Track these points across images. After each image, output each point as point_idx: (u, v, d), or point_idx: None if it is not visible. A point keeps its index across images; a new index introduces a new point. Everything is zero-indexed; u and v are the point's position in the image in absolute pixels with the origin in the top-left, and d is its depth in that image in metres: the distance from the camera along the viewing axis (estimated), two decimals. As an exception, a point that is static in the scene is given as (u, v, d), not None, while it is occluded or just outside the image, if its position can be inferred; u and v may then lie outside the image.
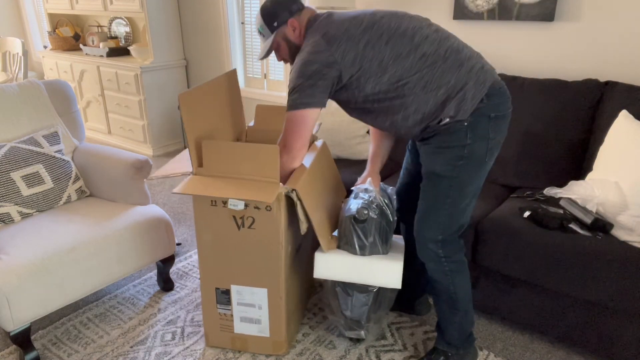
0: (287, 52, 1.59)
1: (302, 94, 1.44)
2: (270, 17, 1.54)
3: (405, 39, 1.41)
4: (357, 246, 1.58)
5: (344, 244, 1.61)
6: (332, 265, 1.60)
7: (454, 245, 1.53)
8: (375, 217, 1.55)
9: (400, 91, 1.42)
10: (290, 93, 1.47)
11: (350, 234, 1.58)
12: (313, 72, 1.42)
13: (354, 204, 1.59)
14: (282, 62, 3.40)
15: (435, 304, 1.64)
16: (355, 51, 1.41)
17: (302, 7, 1.56)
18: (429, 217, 1.49)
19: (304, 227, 1.55)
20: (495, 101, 1.41)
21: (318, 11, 1.57)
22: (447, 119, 1.40)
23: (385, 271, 1.57)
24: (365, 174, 1.77)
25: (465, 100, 1.38)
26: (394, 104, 1.44)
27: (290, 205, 1.59)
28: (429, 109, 1.42)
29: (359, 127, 2.45)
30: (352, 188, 1.70)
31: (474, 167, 1.44)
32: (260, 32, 1.60)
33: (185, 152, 1.81)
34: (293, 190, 1.49)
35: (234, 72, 1.88)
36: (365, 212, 1.54)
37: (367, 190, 1.62)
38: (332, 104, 2.50)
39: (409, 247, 1.82)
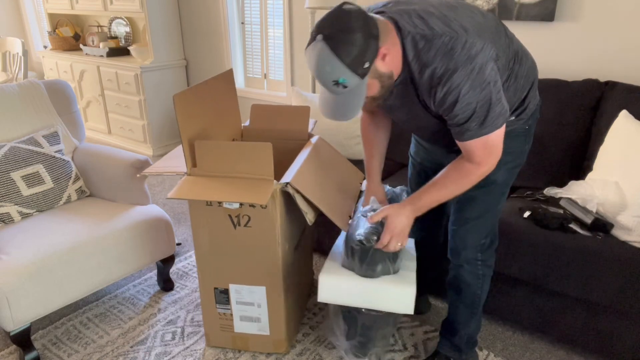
0: (377, 89, 1.20)
1: (495, 108, 1.15)
2: (358, 58, 1.09)
3: (507, 31, 1.26)
4: (364, 270, 1.46)
5: (350, 264, 1.49)
6: (337, 289, 1.48)
7: (491, 250, 1.51)
8: None
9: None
10: (478, 117, 1.15)
11: (358, 260, 1.46)
12: (491, 74, 1.13)
13: (362, 226, 1.46)
14: (282, 61, 3.41)
15: (452, 305, 1.59)
16: (503, 44, 1.20)
17: (377, 23, 1.13)
18: (479, 224, 1.44)
19: (309, 218, 1.52)
20: (541, 102, 1.42)
21: (377, 16, 1.18)
22: (513, 117, 1.34)
23: (397, 296, 1.44)
24: (366, 190, 1.62)
25: (531, 102, 1.35)
26: None
27: (288, 201, 1.59)
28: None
29: (359, 127, 2.45)
30: (360, 211, 1.55)
31: (518, 170, 1.44)
32: (337, 84, 1.13)
33: (178, 150, 1.81)
34: (287, 184, 1.49)
35: (230, 72, 1.88)
36: (375, 238, 1.40)
37: (374, 210, 1.47)
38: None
39: (420, 247, 1.77)
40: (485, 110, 1.15)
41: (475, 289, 1.52)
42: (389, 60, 1.16)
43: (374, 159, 1.56)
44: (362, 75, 1.12)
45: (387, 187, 1.68)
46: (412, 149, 1.72)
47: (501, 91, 1.17)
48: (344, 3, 1.13)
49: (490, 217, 1.45)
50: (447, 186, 1.30)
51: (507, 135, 1.32)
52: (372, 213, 1.44)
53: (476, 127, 1.17)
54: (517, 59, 1.27)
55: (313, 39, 1.12)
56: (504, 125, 1.21)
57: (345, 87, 1.13)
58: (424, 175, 1.64)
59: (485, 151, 1.22)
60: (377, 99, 1.25)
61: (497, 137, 1.21)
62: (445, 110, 1.18)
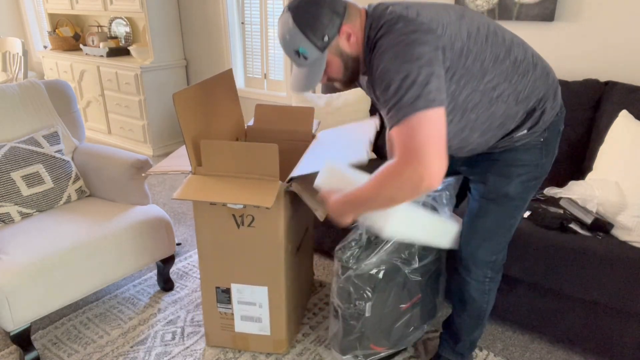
0: (341, 69, 1.23)
1: (419, 87, 1.04)
2: (317, 30, 1.14)
3: (499, 38, 1.19)
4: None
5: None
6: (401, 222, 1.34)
7: (500, 266, 1.45)
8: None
9: (493, 102, 1.20)
10: (395, 93, 1.06)
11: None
12: (424, 55, 1.05)
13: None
14: (282, 61, 3.41)
15: (457, 314, 1.54)
16: (462, 41, 1.12)
17: (346, 4, 1.18)
18: (490, 240, 1.38)
19: (319, 214, 1.46)
20: (563, 113, 1.33)
21: (350, 1, 1.21)
22: (525, 131, 1.26)
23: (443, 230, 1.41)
24: None
25: (545, 113, 1.26)
26: (481, 116, 1.21)
27: (292, 202, 1.58)
28: (514, 123, 1.25)
29: (359, 127, 2.44)
30: None
31: (539, 185, 1.35)
32: (298, 54, 1.19)
33: (183, 149, 1.80)
34: (291, 184, 1.48)
35: (229, 71, 1.88)
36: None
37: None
38: (332, 103, 2.49)
39: None
40: (404, 88, 1.04)
41: (481, 303, 1.48)
42: (353, 42, 1.19)
43: None
44: (322, 48, 1.17)
45: None
46: None
47: (433, 77, 1.05)
48: None
49: (502, 233, 1.39)
50: (373, 185, 1.16)
51: (520, 148, 1.29)
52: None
53: (395, 109, 1.07)
54: (517, 69, 1.21)
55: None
56: (441, 125, 1.06)
57: (305, 58, 1.19)
58: None
59: (410, 145, 1.05)
60: (340, 79, 1.28)
61: (424, 132, 1.04)
62: (375, 83, 1.13)
